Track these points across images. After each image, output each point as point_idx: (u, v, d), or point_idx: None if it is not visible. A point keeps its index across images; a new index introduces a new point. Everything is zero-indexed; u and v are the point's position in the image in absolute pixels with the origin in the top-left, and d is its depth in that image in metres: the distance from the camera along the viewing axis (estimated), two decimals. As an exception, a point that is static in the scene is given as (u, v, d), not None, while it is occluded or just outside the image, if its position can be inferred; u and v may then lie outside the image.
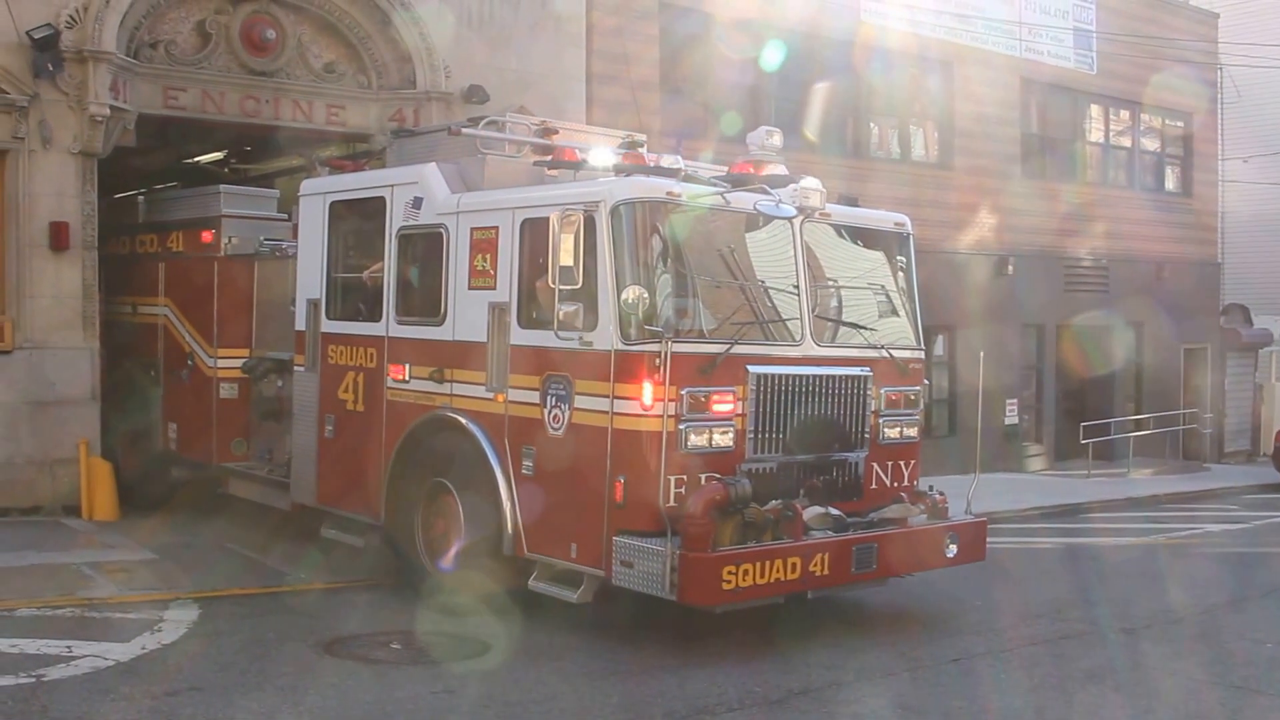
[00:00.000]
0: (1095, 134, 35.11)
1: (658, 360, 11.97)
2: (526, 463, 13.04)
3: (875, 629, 14.21)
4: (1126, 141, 35.89)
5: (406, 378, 14.47)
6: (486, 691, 11.19)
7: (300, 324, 16.04)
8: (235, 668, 11.69)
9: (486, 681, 11.53)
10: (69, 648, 11.89)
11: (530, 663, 12.09)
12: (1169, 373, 36.17)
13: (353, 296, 15.52)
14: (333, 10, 21.22)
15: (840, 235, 14.13)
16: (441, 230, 14.14)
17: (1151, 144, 36.69)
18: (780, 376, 12.92)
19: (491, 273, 13.53)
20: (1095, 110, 34.84)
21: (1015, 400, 31.80)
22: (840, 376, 13.49)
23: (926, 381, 15.06)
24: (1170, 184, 37.13)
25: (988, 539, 14.77)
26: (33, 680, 10.90)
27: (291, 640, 12.75)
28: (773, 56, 26.02)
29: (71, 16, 18.52)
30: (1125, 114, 35.52)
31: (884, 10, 28.66)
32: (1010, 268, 31.23)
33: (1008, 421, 31.53)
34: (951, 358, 29.94)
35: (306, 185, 16.34)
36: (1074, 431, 32.70)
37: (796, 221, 13.40)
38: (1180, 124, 37.11)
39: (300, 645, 12.55)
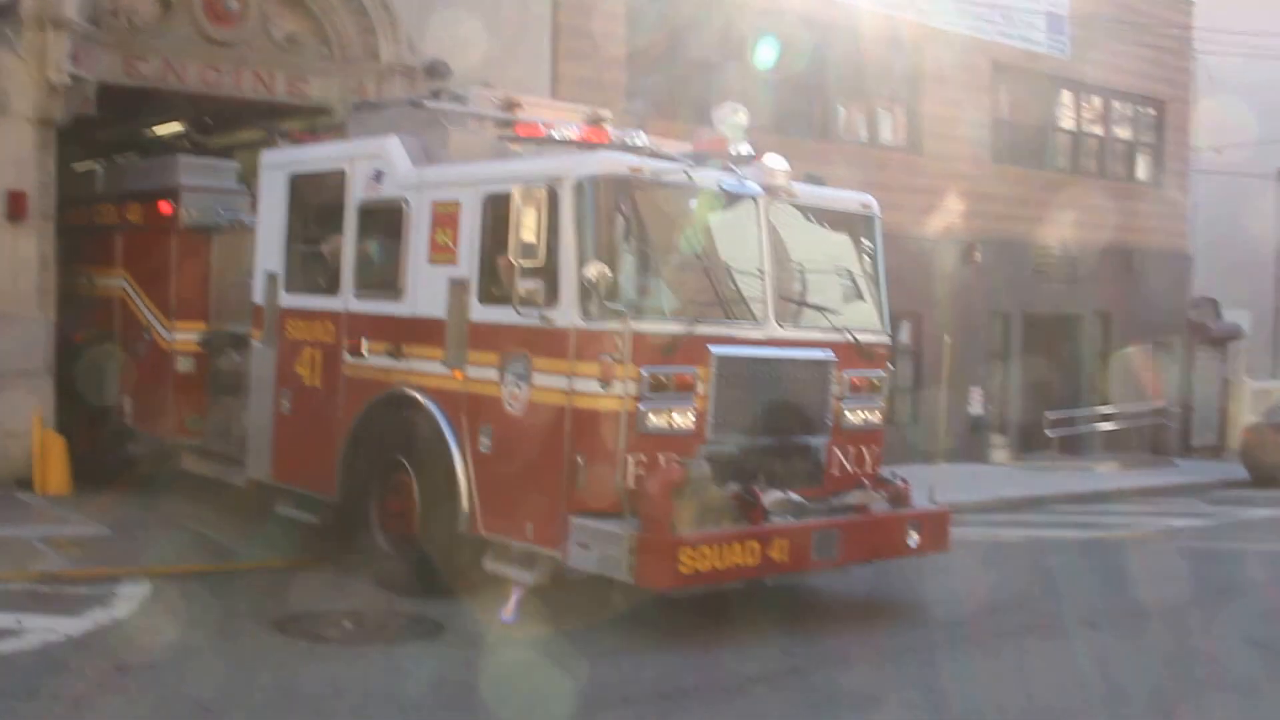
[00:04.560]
0: (1066, 121, 35.04)
1: (618, 338, 11.80)
2: (484, 440, 12.88)
3: (835, 617, 14.12)
4: (1098, 129, 35.81)
5: (364, 353, 14.29)
6: (439, 672, 11.12)
7: (258, 297, 15.84)
8: (187, 644, 11.59)
9: (440, 662, 11.45)
10: (19, 621, 11.76)
11: (484, 645, 11.96)
12: (1137, 365, 36.07)
13: (311, 270, 15.33)
14: (297, -20, 21.04)
15: (806, 216, 13.94)
16: (402, 204, 13.97)
17: (1123, 132, 36.61)
18: (742, 358, 12.77)
19: (452, 248, 13.37)
20: (1067, 96, 34.78)
21: (980, 390, 31.68)
22: (803, 359, 13.36)
23: (891, 367, 14.91)
24: (1141, 173, 37.02)
25: (951, 529, 14.63)
26: (-18, 653, 10.78)
27: (244, 618, 12.67)
28: (740, 37, 25.92)
29: (32, -19, 18.27)
30: (1097, 101, 35.48)
31: (853, -11, 28.52)
32: (977, 255, 31.11)
33: (972, 411, 31.43)
34: (917, 345, 29.83)
35: (267, 157, 16.14)
36: (1039, 423, 32.62)
37: (761, 200, 13.24)
38: (1153, 112, 37.00)
39: (253, 623, 12.46)
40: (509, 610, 12.77)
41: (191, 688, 10.32)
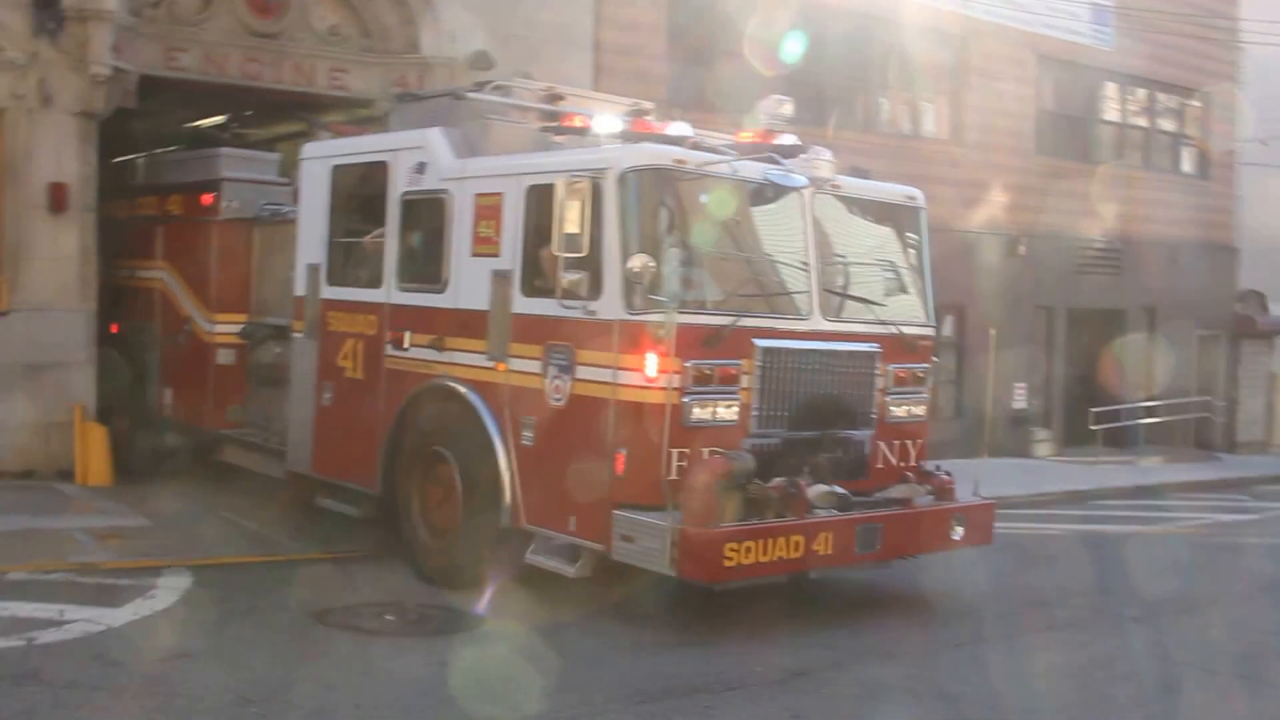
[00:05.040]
0: (1111, 113, 34.71)
1: (662, 331, 11.72)
2: (526, 433, 12.82)
3: (878, 611, 14.03)
4: (1143, 121, 35.45)
5: (406, 346, 14.26)
6: (480, 665, 11.06)
7: (299, 290, 15.82)
8: (228, 636, 11.64)
9: (480, 655, 11.41)
10: (61, 612, 11.75)
11: (525, 637, 11.90)
12: (1182, 359, 35.80)
13: (353, 262, 15.32)
14: (337, -29, 21.04)
15: (851, 208, 13.87)
16: (445, 196, 13.92)
17: (1168, 124, 36.27)
18: (787, 351, 12.68)
19: (495, 240, 13.31)
20: (1111, 88, 34.48)
21: (1024, 384, 31.49)
22: (848, 352, 13.26)
23: (936, 360, 14.82)
24: (1187, 165, 36.69)
25: (995, 523, 14.54)
26: (24, 643, 10.82)
27: (285, 609, 12.67)
28: (783, 30, 25.72)
29: (73, -26, 18.28)
30: (1142, 92, 35.14)
31: (897, -19, 28.36)
32: (1022, 248, 30.88)
33: (1016, 405, 31.25)
34: (961, 338, 29.65)
35: (308, 149, 16.15)
36: (1083, 417, 32.40)
37: (806, 192, 13.15)
38: (1198, 104, 36.69)
39: (294, 615, 12.45)
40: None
41: (232, 679, 10.29)
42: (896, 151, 27.29)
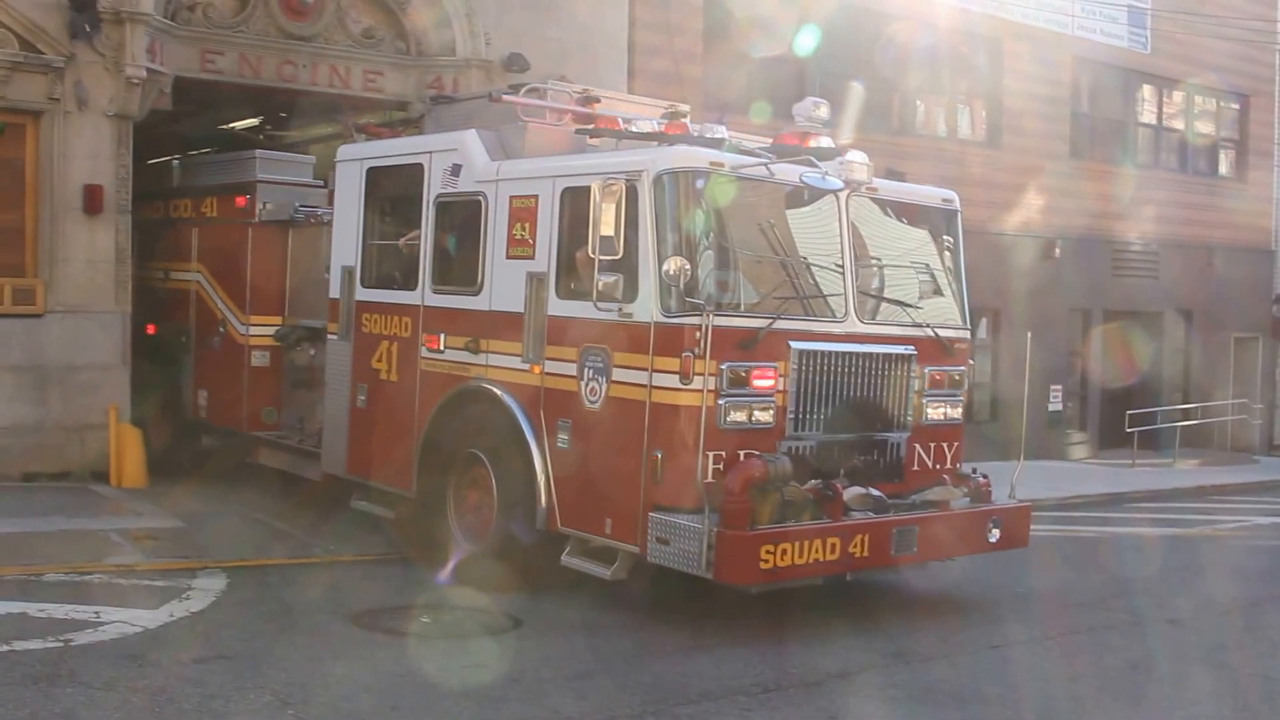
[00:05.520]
0: (1147, 115, 34.56)
1: (698, 333, 11.68)
2: (562, 435, 12.81)
3: (914, 613, 13.98)
4: (1179, 124, 35.32)
5: (441, 348, 14.26)
6: (517, 667, 11.01)
7: (334, 292, 15.84)
8: (263, 637, 11.59)
9: (517, 657, 11.36)
10: (97, 613, 11.77)
11: (562, 639, 11.96)
12: (1218, 362, 35.67)
13: (388, 264, 15.33)
14: (372, -26, 21.07)
15: (886, 211, 13.83)
16: (480, 198, 13.91)
17: (1205, 127, 36.12)
18: (823, 353, 12.64)
19: (530, 242, 13.29)
20: (1148, 91, 34.33)
21: (1059, 387, 31.41)
22: (884, 355, 13.21)
23: (971, 362, 14.75)
24: (1224, 168, 36.50)
25: (1031, 526, 14.49)
26: (60, 645, 10.81)
27: (320, 611, 12.65)
28: (814, 34, 25.66)
29: (109, -23, 18.34)
30: (1178, 95, 35.00)
31: (933, -16, 28.28)
32: (1057, 251, 30.79)
33: (1051, 408, 31.16)
34: (995, 341, 29.55)
35: (343, 151, 16.14)
36: (1119, 420, 32.23)
37: (842, 195, 13.09)
38: (1235, 106, 36.50)
39: (329, 617, 12.43)
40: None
41: (268, 680, 10.29)
42: (932, 154, 27.25)
